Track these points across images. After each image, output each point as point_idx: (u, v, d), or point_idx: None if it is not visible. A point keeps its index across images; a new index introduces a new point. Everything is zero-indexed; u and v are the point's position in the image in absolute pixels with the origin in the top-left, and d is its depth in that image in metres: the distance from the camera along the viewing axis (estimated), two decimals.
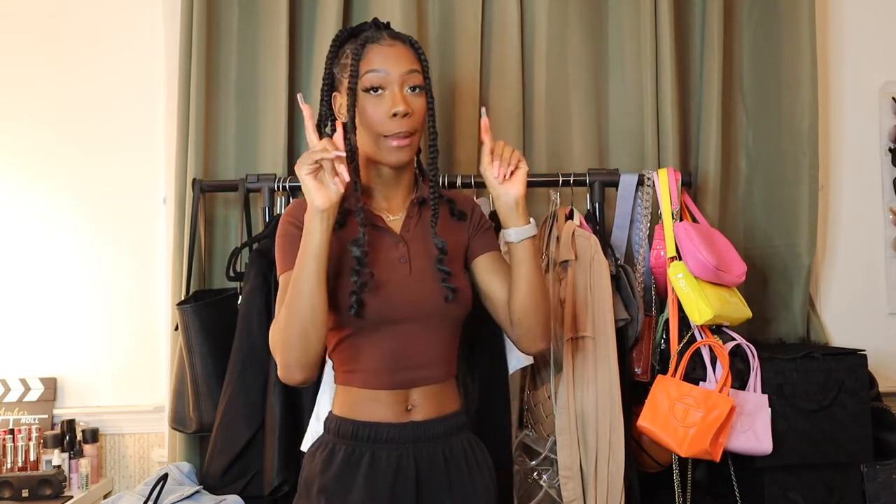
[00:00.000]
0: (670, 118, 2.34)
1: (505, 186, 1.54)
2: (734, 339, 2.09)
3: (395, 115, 1.52)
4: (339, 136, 1.45)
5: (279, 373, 1.51)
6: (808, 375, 2.07)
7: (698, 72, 2.44)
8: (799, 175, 2.42)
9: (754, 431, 2.00)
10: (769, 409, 2.02)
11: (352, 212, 1.57)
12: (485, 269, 1.66)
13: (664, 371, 2.08)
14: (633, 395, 2.09)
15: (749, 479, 2.10)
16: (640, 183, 2.22)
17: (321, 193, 1.42)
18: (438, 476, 1.57)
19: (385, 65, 1.53)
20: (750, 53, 2.48)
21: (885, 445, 2.20)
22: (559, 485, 1.98)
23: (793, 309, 2.44)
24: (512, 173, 1.54)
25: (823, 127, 2.48)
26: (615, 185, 2.23)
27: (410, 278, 1.57)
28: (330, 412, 1.63)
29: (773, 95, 2.46)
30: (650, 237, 2.21)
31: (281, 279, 1.55)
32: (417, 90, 1.56)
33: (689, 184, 2.28)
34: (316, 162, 1.41)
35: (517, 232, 1.56)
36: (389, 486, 1.53)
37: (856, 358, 2.12)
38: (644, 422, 2.00)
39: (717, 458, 1.97)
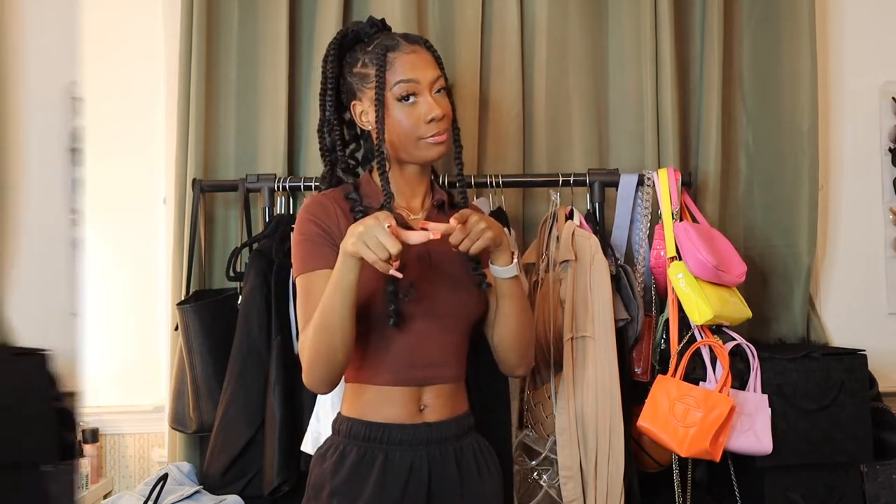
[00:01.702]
0: (670, 118, 2.34)
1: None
2: (734, 339, 2.09)
3: (431, 120, 1.55)
4: (421, 236, 1.42)
5: (304, 378, 1.52)
6: (808, 375, 2.07)
7: (698, 72, 2.43)
8: (799, 175, 2.42)
9: (754, 431, 2.00)
10: (769, 410, 2.02)
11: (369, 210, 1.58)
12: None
13: (664, 371, 2.08)
14: (633, 395, 2.09)
15: (749, 479, 2.10)
16: (640, 183, 2.22)
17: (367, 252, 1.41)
18: (450, 478, 1.57)
19: (414, 73, 1.56)
20: (750, 53, 2.48)
21: (885, 445, 2.20)
22: (559, 485, 1.98)
23: (793, 309, 2.44)
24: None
25: (823, 127, 2.48)
26: (615, 185, 2.23)
27: (432, 275, 1.58)
28: (339, 413, 1.63)
29: (773, 96, 2.45)
30: (650, 237, 2.21)
31: (302, 281, 1.56)
32: (442, 91, 1.60)
33: (689, 184, 2.28)
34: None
35: (497, 270, 1.57)
36: (401, 489, 1.54)
37: (856, 358, 2.12)
38: (644, 422, 2.00)
39: (717, 458, 1.96)
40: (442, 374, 1.59)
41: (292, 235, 1.60)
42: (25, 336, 2.31)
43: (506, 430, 1.99)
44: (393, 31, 1.69)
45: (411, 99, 1.56)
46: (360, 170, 1.73)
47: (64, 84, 2.40)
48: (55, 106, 2.32)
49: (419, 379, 1.57)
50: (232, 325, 2.05)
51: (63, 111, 2.33)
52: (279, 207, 2.18)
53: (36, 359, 2.03)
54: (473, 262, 1.58)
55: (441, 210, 1.66)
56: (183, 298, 2.17)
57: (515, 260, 1.56)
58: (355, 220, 1.51)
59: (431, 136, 1.56)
